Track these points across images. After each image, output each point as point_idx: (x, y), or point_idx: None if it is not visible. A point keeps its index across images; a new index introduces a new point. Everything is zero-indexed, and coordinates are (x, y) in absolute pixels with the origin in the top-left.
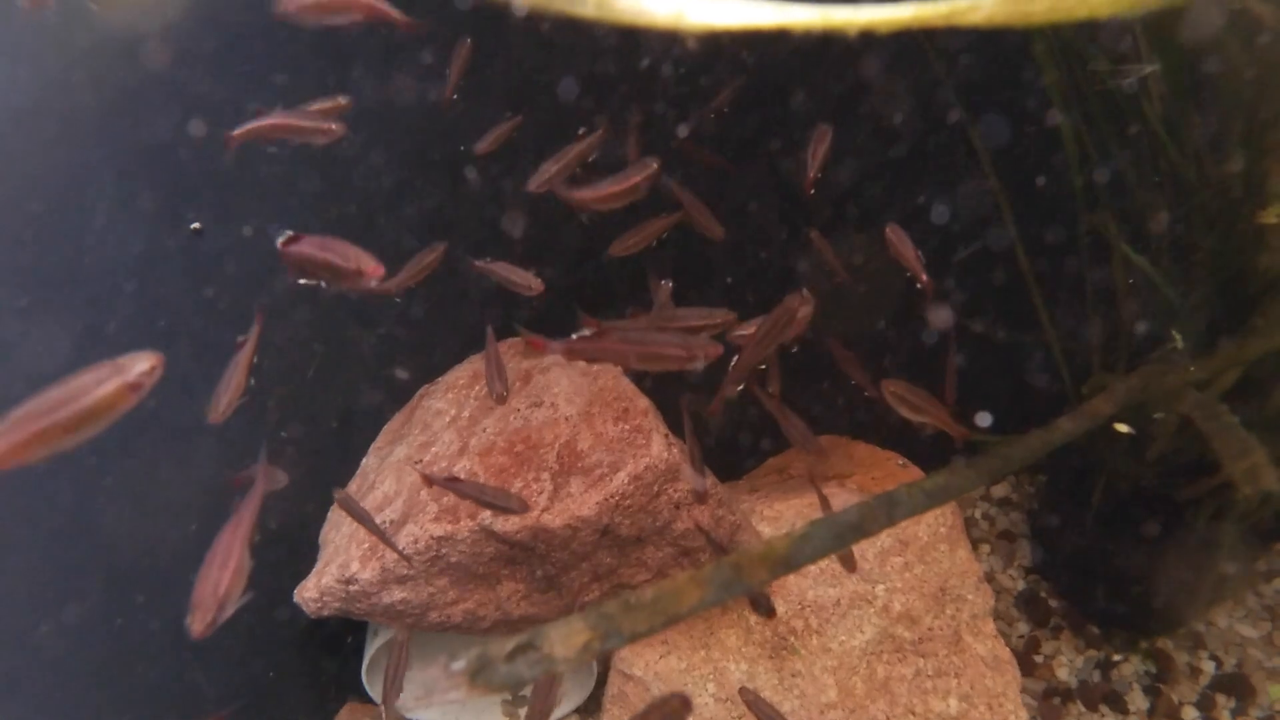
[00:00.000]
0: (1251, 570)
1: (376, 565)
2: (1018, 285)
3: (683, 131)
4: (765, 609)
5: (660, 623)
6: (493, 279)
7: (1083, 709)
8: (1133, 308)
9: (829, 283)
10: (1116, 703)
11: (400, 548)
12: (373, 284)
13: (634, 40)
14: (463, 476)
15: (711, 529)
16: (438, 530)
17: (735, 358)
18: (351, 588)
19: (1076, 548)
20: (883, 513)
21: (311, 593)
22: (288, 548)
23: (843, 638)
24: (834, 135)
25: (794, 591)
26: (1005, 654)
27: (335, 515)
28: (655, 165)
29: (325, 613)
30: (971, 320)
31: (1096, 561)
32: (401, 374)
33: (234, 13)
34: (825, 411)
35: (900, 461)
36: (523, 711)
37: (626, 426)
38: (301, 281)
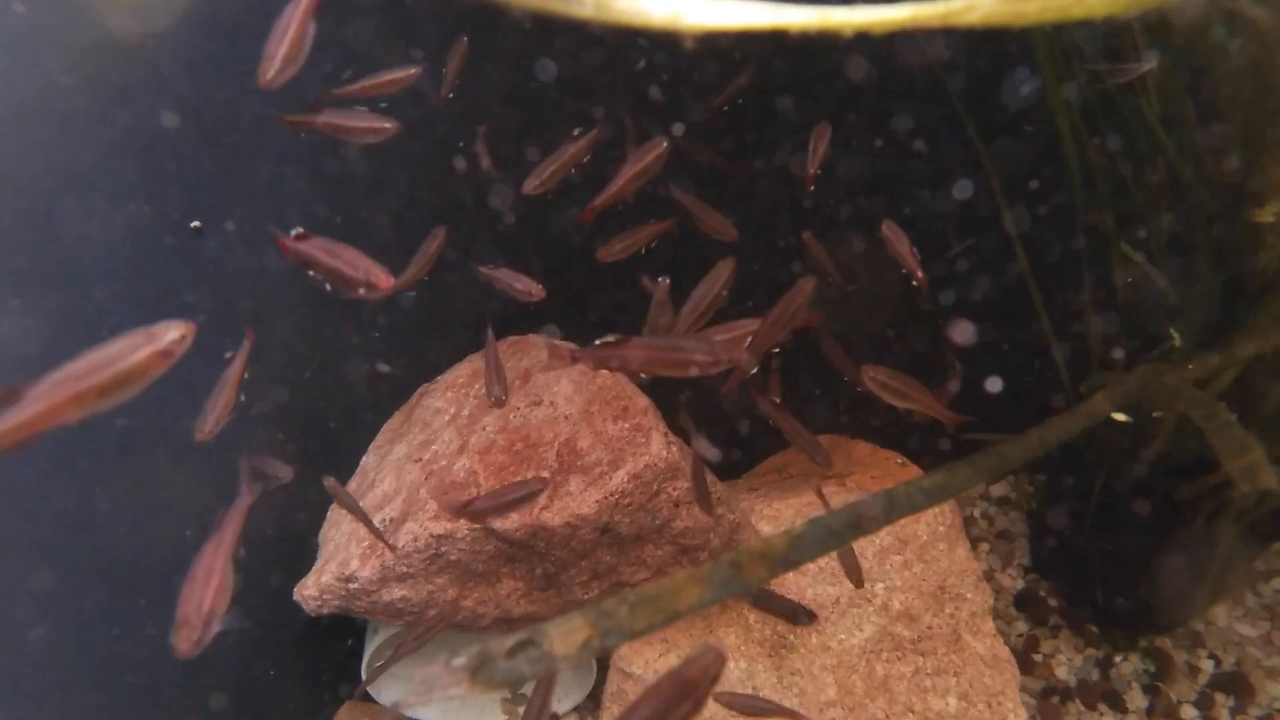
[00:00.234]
0: (1250, 569)
1: (376, 563)
2: (1017, 285)
3: (704, 113)
4: (806, 616)
5: (660, 620)
6: (495, 285)
7: (1081, 708)
8: (1131, 306)
9: (828, 283)
10: (1115, 701)
11: (400, 546)
12: (381, 294)
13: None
14: (462, 475)
15: (711, 528)
16: (437, 528)
17: (750, 338)
18: (351, 585)
19: (1075, 546)
20: (881, 511)
21: (311, 591)
22: (287, 546)
23: (842, 636)
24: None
25: (793, 590)
26: (1004, 652)
27: (335, 514)
28: (665, 143)
29: (325, 611)
30: (956, 323)
31: (1095, 560)
32: (400, 372)
33: (233, 13)
34: (825, 411)
35: (899, 460)
36: (521, 710)
37: (626, 425)
38: (310, 273)
